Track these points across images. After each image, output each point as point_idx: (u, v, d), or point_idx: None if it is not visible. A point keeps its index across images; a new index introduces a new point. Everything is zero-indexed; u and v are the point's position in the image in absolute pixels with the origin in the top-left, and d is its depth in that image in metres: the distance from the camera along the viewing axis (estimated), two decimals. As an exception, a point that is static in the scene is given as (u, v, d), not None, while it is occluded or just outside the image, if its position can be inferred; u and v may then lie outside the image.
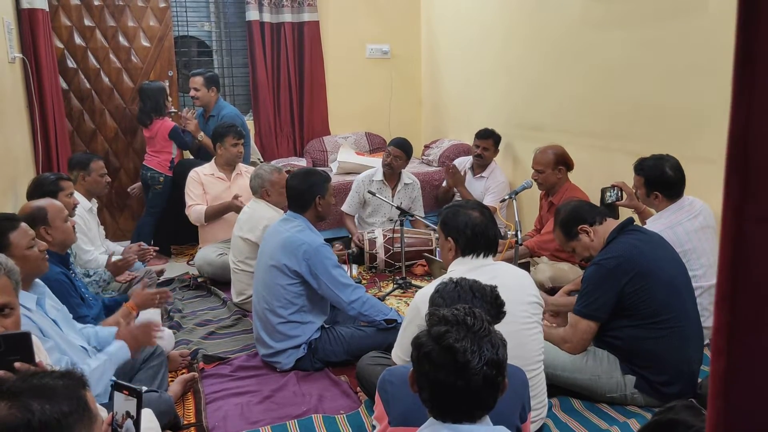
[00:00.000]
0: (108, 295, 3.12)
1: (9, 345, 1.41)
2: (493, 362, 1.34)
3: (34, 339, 1.74)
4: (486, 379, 1.32)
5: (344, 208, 4.44)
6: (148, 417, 1.89)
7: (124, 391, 1.44)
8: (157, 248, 3.71)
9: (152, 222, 4.59)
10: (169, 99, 4.70)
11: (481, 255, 2.20)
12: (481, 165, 4.57)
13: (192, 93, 4.60)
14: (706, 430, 0.61)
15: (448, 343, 1.33)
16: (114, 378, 2.20)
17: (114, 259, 3.37)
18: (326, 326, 2.90)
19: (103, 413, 1.46)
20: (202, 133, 4.56)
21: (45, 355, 1.77)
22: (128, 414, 1.42)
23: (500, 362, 1.36)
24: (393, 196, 4.38)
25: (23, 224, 2.11)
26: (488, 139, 4.49)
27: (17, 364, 1.37)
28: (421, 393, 1.39)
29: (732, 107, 0.53)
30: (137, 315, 2.62)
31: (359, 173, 4.59)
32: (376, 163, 4.67)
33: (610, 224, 2.53)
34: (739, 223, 0.54)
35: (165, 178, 4.55)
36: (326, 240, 2.94)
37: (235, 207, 4.02)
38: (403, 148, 4.33)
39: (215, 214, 4.13)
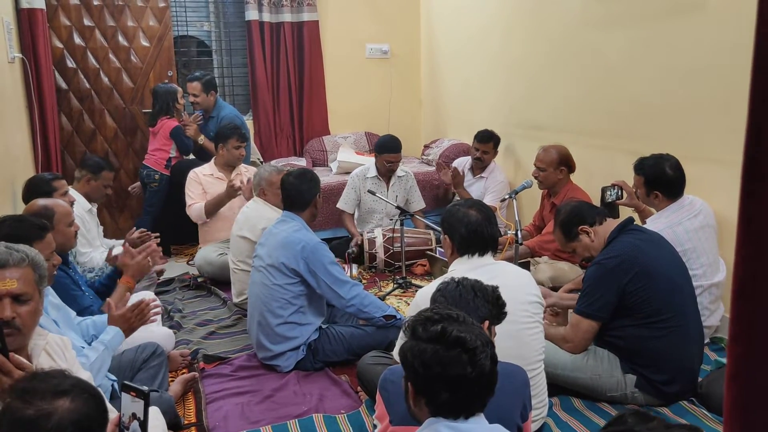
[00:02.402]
0: (91, 275, 3.12)
1: None
2: (488, 341, 1.37)
3: (65, 340, 1.77)
4: (492, 359, 1.34)
5: (341, 205, 4.40)
6: (154, 415, 1.89)
7: (131, 393, 1.44)
8: (158, 234, 3.66)
9: (150, 221, 4.57)
10: (180, 102, 4.67)
11: (477, 254, 2.18)
12: (480, 167, 4.57)
13: (191, 99, 4.61)
14: (724, 406, 0.66)
15: (454, 336, 1.32)
16: (115, 379, 2.21)
17: (114, 252, 3.37)
18: (324, 327, 2.90)
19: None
20: (202, 136, 4.57)
21: (73, 355, 1.79)
22: (134, 416, 1.42)
23: (490, 339, 1.39)
24: (388, 190, 4.38)
25: (49, 236, 2.13)
26: (488, 143, 4.47)
27: None
28: (435, 398, 1.34)
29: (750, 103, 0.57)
30: (132, 292, 2.61)
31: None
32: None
33: (610, 224, 2.53)
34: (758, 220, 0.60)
35: (161, 177, 4.54)
36: (324, 240, 2.94)
37: (231, 192, 4.01)
38: (396, 150, 4.28)
39: (214, 207, 4.11)
